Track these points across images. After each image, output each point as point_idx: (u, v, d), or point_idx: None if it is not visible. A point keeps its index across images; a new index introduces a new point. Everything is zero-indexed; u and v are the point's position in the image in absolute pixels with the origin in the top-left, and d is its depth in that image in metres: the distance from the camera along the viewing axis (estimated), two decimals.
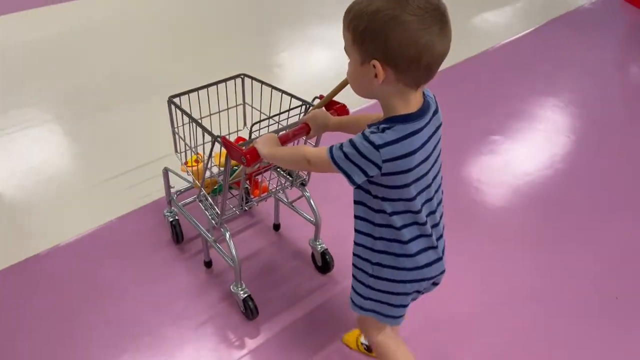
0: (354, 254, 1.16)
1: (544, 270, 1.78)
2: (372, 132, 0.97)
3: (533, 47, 3.28)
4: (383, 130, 0.96)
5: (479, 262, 1.80)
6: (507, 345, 1.53)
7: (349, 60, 1.00)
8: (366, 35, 0.92)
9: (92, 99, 2.65)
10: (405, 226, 1.06)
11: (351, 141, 0.98)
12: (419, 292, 1.17)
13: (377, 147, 0.95)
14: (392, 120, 0.97)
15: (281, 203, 1.80)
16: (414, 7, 0.90)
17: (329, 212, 1.71)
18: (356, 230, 1.13)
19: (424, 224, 1.07)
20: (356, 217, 1.11)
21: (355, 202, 1.10)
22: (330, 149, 1.01)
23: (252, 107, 1.66)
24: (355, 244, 1.14)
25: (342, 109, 1.35)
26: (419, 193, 1.04)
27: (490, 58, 3.11)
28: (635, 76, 3.17)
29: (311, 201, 1.64)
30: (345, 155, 0.98)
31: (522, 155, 2.36)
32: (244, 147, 1.22)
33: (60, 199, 2.03)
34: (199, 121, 1.43)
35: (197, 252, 1.79)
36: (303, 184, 1.62)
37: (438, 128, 1.05)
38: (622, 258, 1.85)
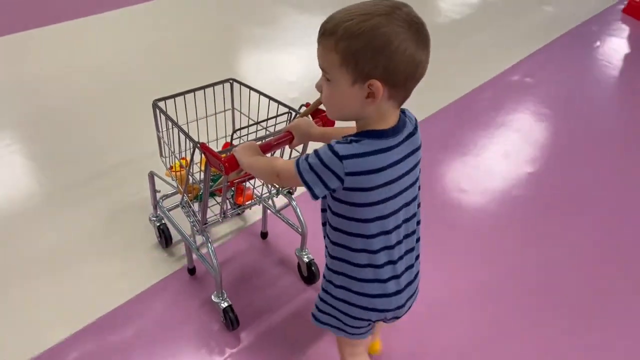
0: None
1: (517, 266, 1.81)
2: (337, 142, 0.93)
3: (536, 69, 3.19)
4: (350, 142, 0.92)
5: (450, 257, 1.82)
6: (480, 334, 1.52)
7: (325, 81, 0.94)
8: (362, 55, 0.87)
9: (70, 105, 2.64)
10: (364, 250, 1.01)
11: (316, 151, 0.95)
12: (369, 320, 1.12)
13: (341, 158, 0.91)
14: (362, 135, 0.94)
15: (269, 211, 1.76)
16: (406, 23, 0.88)
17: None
18: (325, 246, 1.11)
19: (391, 247, 1.02)
20: (324, 233, 1.10)
21: (323, 216, 1.08)
22: (297, 160, 0.97)
23: (240, 113, 1.63)
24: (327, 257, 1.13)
25: (327, 118, 1.32)
26: (387, 215, 0.99)
27: (489, 87, 2.98)
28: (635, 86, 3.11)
29: (298, 210, 1.61)
30: (310, 166, 0.94)
31: (500, 163, 2.34)
32: (224, 155, 1.19)
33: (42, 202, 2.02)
34: (184, 126, 1.41)
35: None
36: (290, 192, 1.59)
37: (415, 151, 1.00)
38: (587, 255, 1.87)
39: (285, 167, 1.01)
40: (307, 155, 0.96)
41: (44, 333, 1.51)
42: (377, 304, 1.06)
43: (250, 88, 1.55)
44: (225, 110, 1.63)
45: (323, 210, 1.07)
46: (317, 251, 1.66)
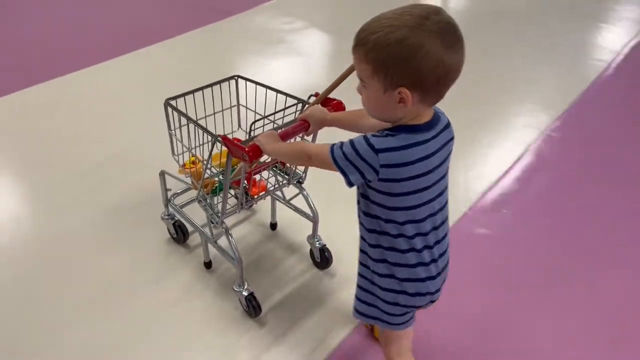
0: (358, 261, 1.18)
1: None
2: (374, 136, 0.98)
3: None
4: (386, 135, 0.98)
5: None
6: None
7: (362, 87, 0.99)
8: (390, 65, 0.92)
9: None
10: (402, 236, 1.06)
11: (352, 142, 0.99)
12: (415, 307, 1.15)
13: (377, 151, 0.96)
14: (397, 129, 0.99)
15: (277, 201, 1.82)
16: (434, 30, 0.90)
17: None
18: (360, 237, 1.15)
19: (426, 234, 1.07)
20: (359, 222, 1.13)
21: (358, 209, 1.12)
22: (332, 147, 1.02)
23: (246, 108, 1.68)
24: (360, 250, 1.16)
25: (338, 105, 1.38)
26: (421, 204, 1.04)
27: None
28: None
29: (309, 199, 1.66)
30: (345, 155, 0.99)
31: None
32: (247, 146, 1.24)
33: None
34: (192, 124, 1.45)
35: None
36: (300, 182, 1.65)
37: (448, 142, 1.06)
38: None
39: (319, 151, 1.06)
40: (342, 143, 1.01)
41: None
42: (422, 287, 1.11)
43: (257, 83, 1.60)
44: (231, 107, 1.68)
45: (358, 202, 1.11)
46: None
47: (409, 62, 0.91)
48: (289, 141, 1.30)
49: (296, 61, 3.20)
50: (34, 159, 2.29)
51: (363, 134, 1.00)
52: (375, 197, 1.05)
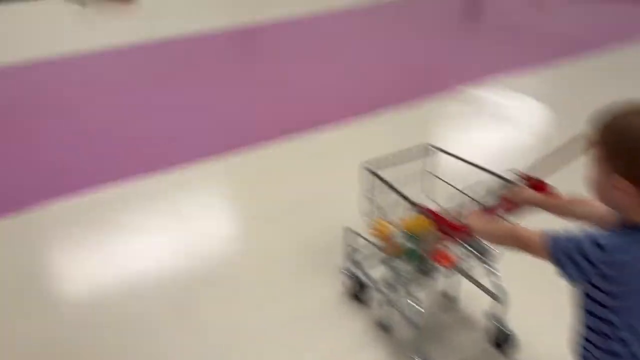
0: (574, 350, 1.11)
1: None
2: (598, 232, 0.95)
3: None
4: (611, 232, 0.94)
5: None
6: None
7: (591, 165, 0.99)
8: (619, 154, 0.93)
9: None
10: (619, 339, 0.98)
11: (574, 235, 0.96)
12: None
13: (602, 248, 0.92)
14: (622, 225, 0.95)
15: (461, 274, 1.78)
16: None
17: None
18: (576, 327, 1.09)
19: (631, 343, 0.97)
20: (578, 316, 1.07)
21: (577, 302, 1.06)
22: (548, 236, 0.99)
23: (437, 178, 1.70)
24: (575, 340, 1.10)
25: (540, 187, 1.33)
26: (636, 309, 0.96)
27: None
28: None
29: (497, 277, 1.60)
30: (565, 247, 0.96)
31: None
32: (453, 221, 1.26)
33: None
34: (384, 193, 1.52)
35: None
36: (490, 258, 1.60)
37: None
38: None
39: (531, 238, 1.04)
40: (561, 234, 0.98)
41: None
42: None
43: (451, 154, 1.62)
44: (417, 175, 1.71)
45: (575, 293, 1.06)
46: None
47: (628, 155, 0.91)
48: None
49: (514, 138, 3.17)
50: (253, 195, 2.61)
51: (587, 230, 0.96)
52: (591, 293, 0.99)
